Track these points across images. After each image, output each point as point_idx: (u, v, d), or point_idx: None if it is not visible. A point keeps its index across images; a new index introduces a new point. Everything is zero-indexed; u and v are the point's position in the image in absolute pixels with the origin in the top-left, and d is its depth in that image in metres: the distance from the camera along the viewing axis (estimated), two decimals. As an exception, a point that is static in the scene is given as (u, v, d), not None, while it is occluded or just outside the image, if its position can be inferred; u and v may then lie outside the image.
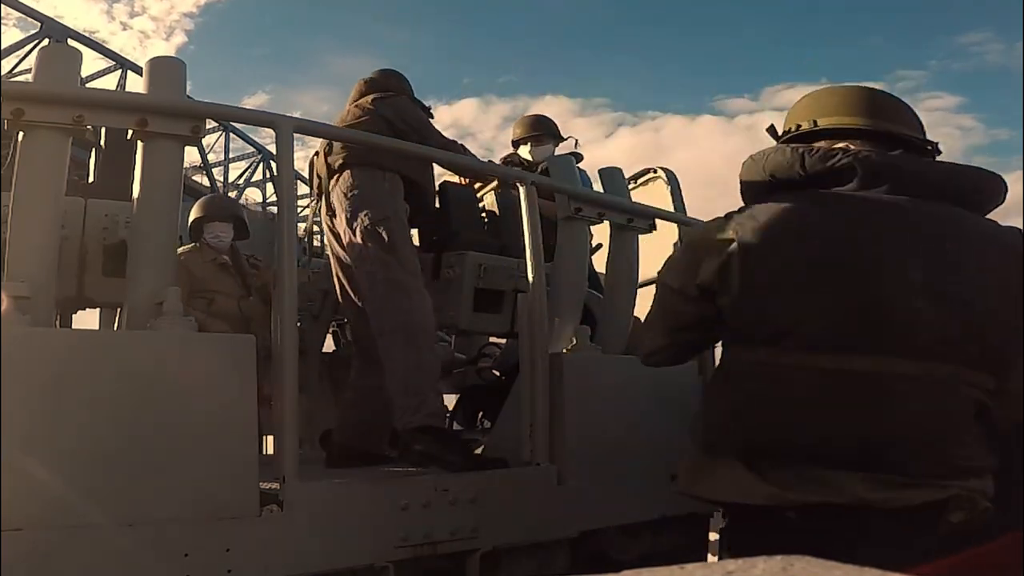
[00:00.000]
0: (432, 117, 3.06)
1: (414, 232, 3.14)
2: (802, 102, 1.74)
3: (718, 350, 1.85)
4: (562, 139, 3.99)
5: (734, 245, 1.55)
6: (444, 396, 4.18)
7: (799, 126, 1.68)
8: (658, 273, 1.81)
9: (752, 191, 1.68)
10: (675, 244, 3.18)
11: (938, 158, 1.65)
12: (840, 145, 1.60)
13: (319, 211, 2.99)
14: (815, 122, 1.65)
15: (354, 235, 2.68)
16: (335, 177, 2.79)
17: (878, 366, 1.43)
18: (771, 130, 1.78)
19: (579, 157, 3.88)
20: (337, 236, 2.79)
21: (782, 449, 1.48)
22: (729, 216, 1.62)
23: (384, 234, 2.63)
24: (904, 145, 1.59)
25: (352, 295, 2.82)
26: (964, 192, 1.56)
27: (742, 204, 1.70)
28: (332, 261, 2.89)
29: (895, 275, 1.46)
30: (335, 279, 2.90)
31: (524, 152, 3.93)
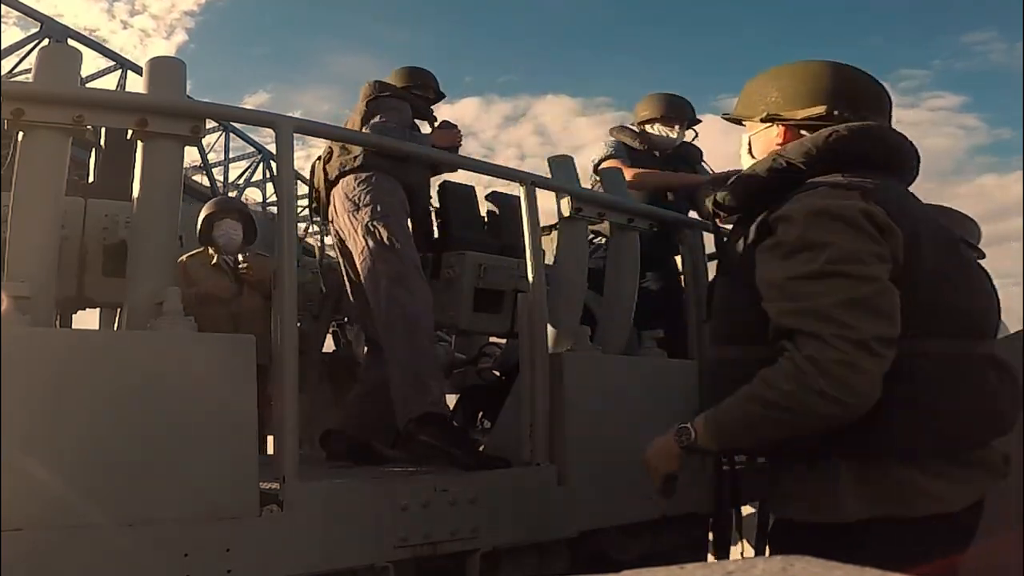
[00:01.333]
0: (433, 119, 3.16)
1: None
2: (766, 89, 1.65)
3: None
4: (698, 121, 3.79)
5: (895, 227, 1.37)
6: (445, 395, 4.21)
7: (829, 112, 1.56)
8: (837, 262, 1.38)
9: (761, 185, 1.54)
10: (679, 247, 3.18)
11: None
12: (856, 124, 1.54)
13: (321, 215, 3.07)
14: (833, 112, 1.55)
15: (355, 233, 2.76)
16: (335, 184, 2.87)
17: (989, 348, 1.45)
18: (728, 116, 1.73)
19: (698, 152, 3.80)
20: (341, 237, 2.88)
21: (975, 442, 1.42)
22: (858, 196, 1.39)
23: (383, 230, 2.71)
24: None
25: (359, 294, 2.86)
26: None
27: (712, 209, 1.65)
28: (340, 260, 2.97)
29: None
30: (345, 278, 2.96)
31: (658, 129, 3.71)
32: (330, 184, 2.91)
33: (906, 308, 1.35)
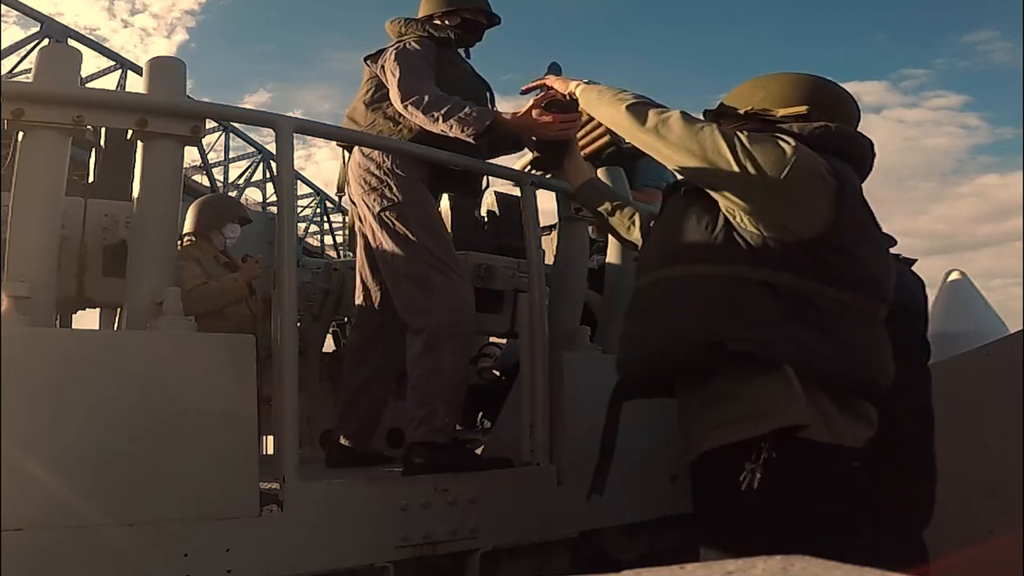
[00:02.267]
0: (491, 22, 2.76)
1: None
2: (758, 89, 1.80)
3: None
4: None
5: (833, 180, 1.54)
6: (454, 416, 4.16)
7: (767, 111, 1.73)
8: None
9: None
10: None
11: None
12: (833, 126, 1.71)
13: (338, 183, 2.77)
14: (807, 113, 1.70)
15: (368, 221, 2.50)
16: (350, 152, 2.61)
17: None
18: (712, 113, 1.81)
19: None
20: (360, 217, 2.60)
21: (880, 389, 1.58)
22: (792, 137, 1.59)
23: (397, 224, 2.42)
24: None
25: (363, 281, 2.70)
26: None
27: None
28: (358, 238, 2.71)
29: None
30: (357, 259, 2.76)
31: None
32: (347, 152, 2.62)
33: (832, 258, 1.55)
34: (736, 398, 1.53)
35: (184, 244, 3.49)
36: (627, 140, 1.77)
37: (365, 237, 2.60)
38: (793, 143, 1.56)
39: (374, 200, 2.47)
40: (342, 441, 2.76)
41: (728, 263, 1.57)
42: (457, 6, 2.73)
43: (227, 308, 3.40)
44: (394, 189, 2.45)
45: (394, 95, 2.47)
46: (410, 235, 2.41)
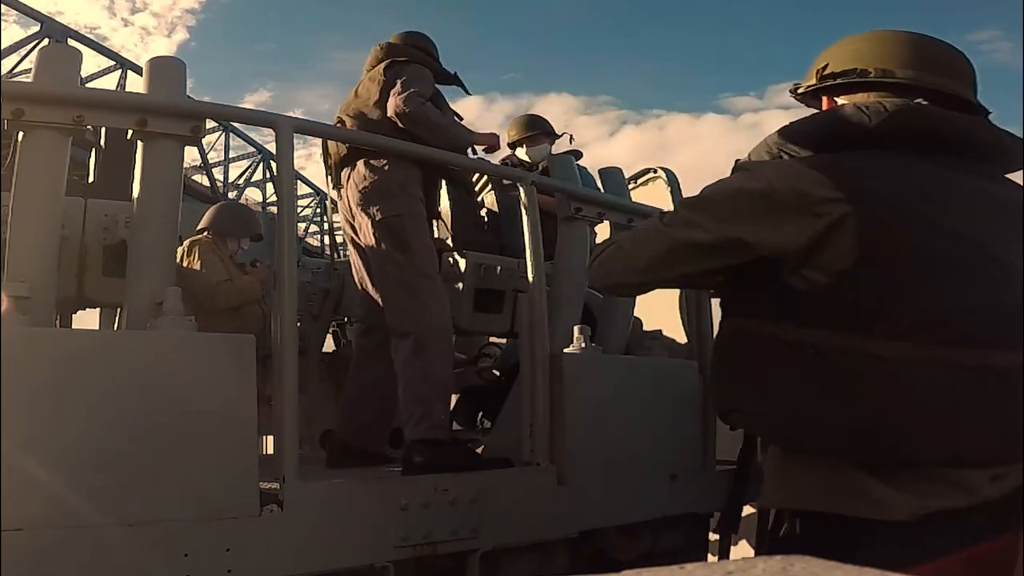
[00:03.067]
0: (459, 84, 2.96)
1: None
2: (842, 48, 1.49)
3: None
4: (557, 136, 3.97)
5: (842, 208, 1.24)
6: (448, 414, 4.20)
7: (866, 71, 1.42)
8: (664, 213, 1.52)
9: (777, 146, 1.42)
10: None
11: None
12: (916, 102, 1.40)
13: (335, 199, 2.87)
14: (890, 71, 1.40)
15: (367, 230, 2.60)
16: (347, 166, 2.69)
17: (1011, 360, 1.25)
18: (822, 73, 1.51)
19: (578, 154, 3.88)
20: (353, 226, 2.72)
21: (941, 458, 1.28)
22: (808, 165, 1.32)
23: (397, 231, 2.55)
24: (960, 106, 1.41)
25: (363, 287, 2.79)
26: (1010, 158, 1.44)
27: (751, 159, 1.45)
28: (351, 250, 2.84)
29: (1013, 261, 1.29)
30: (352, 269, 2.86)
31: (521, 154, 3.91)
32: (344, 160, 2.68)
33: (849, 300, 1.26)
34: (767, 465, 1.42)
35: (204, 239, 3.51)
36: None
37: (360, 248, 2.73)
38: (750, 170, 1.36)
39: (376, 210, 2.58)
40: (345, 439, 2.77)
41: (750, 316, 1.37)
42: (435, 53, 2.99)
43: (243, 307, 3.44)
44: (399, 201, 2.59)
45: (400, 94, 2.60)
46: (407, 243, 2.55)
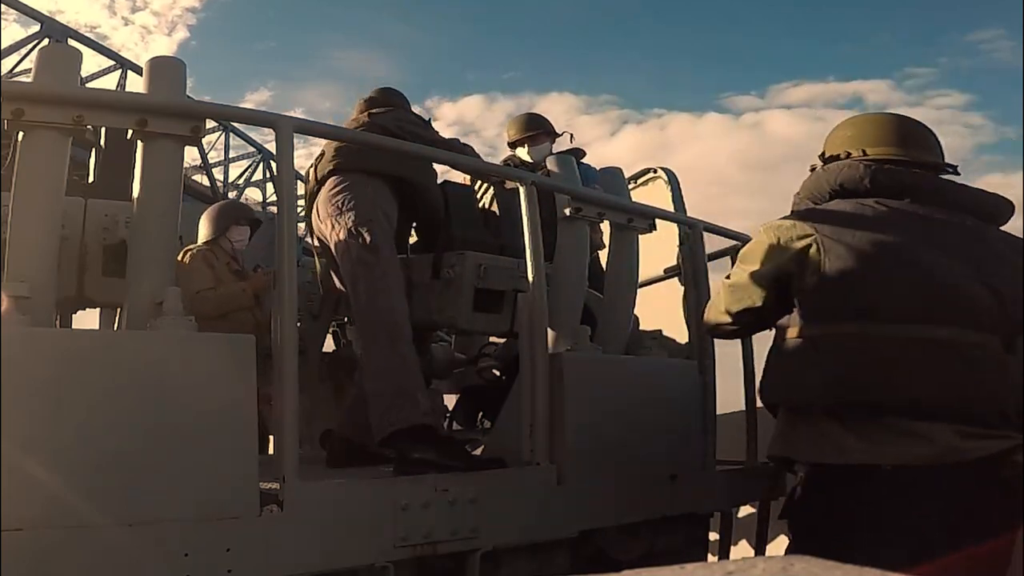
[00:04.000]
0: (430, 123, 3.09)
1: (413, 233, 3.16)
2: (846, 131, 2.13)
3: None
4: (558, 135, 3.97)
5: (815, 237, 1.90)
6: (444, 396, 4.20)
7: (849, 153, 2.07)
8: (731, 274, 2.17)
9: (812, 197, 2.09)
10: (680, 248, 3.19)
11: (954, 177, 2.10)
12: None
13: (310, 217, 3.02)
14: (864, 151, 2.05)
15: (338, 237, 2.71)
16: (322, 184, 2.83)
17: (952, 334, 1.78)
18: (821, 156, 2.18)
19: (580, 153, 3.87)
20: (323, 241, 2.83)
21: (877, 408, 1.79)
22: (799, 216, 2.01)
23: (366, 235, 2.66)
24: (932, 170, 2.04)
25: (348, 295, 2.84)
26: (985, 209, 2.01)
27: (794, 209, 2.12)
28: (328, 265, 2.93)
29: (956, 266, 1.84)
30: (334, 280, 2.93)
31: (522, 153, 3.91)
32: (320, 181, 2.86)
33: (816, 298, 1.91)
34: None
35: (196, 248, 3.52)
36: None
37: (331, 255, 2.82)
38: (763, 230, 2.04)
39: (349, 216, 2.71)
40: (346, 437, 2.77)
41: (779, 323, 2.07)
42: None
43: (231, 315, 3.42)
44: (369, 211, 2.72)
45: None
46: (375, 247, 2.66)
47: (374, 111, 2.96)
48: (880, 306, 1.82)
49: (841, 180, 2.01)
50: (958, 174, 2.08)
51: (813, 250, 1.89)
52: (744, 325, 2.20)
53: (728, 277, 2.16)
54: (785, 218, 2.02)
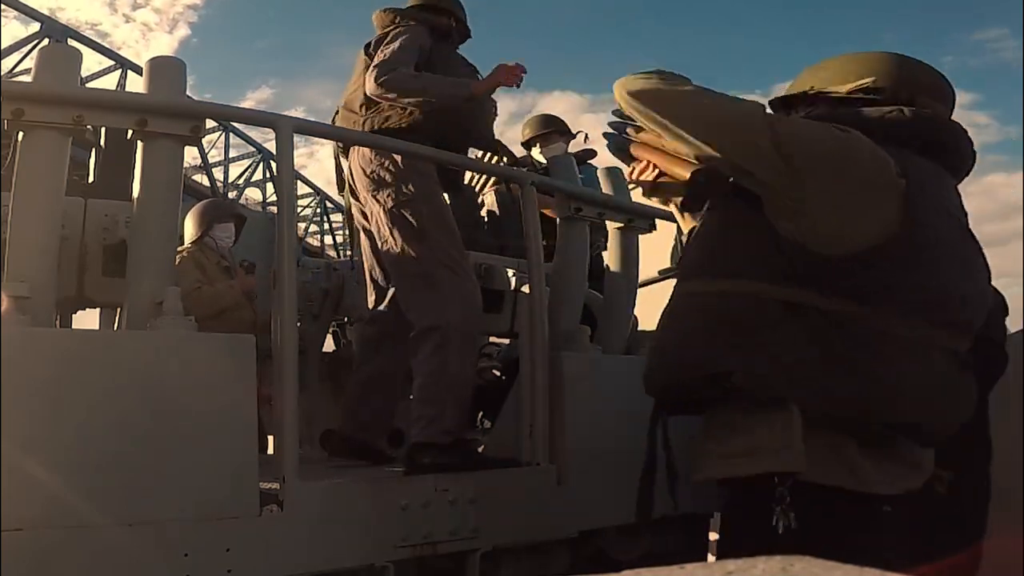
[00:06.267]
0: (466, 36, 2.75)
1: None
2: (842, 66, 1.57)
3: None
4: (572, 135, 3.94)
5: (902, 183, 1.33)
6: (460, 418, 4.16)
7: (817, 92, 1.53)
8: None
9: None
10: (675, 246, 3.18)
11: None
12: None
13: (336, 182, 2.78)
14: (910, 99, 1.48)
15: (379, 218, 2.45)
16: (350, 149, 2.58)
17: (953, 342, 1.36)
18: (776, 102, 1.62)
19: (591, 153, 3.84)
20: (364, 213, 2.57)
21: (893, 430, 1.37)
22: (852, 125, 1.38)
23: (410, 218, 2.38)
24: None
25: (375, 279, 2.69)
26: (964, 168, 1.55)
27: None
28: (361, 237, 2.70)
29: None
30: (363, 257, 2.75)
31: (535, 153, 3.88)
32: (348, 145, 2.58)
33: (879, 274, 1.32)
34: (735, 430, 1.40)
35: (188, 249, 3.51)
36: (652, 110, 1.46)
37: (371, 235, 2.58)
38: (849, 131, 1.35)
39: (387, 196, 2.43)
40: (346, 433, 2.76)
41: (752, 279, 1.38)
42: (450, 7, 2.74)
43: (227, 314, 3.42)
44: (409, 184, 2.43)
45: (369, 73, 2.43)
46: (423, 231, 2.39)
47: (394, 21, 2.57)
48: (944, 303, 1.35)
49: (886, 126, 1.41)
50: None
51: (888, 202, 1.32)
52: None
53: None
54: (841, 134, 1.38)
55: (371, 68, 2.45)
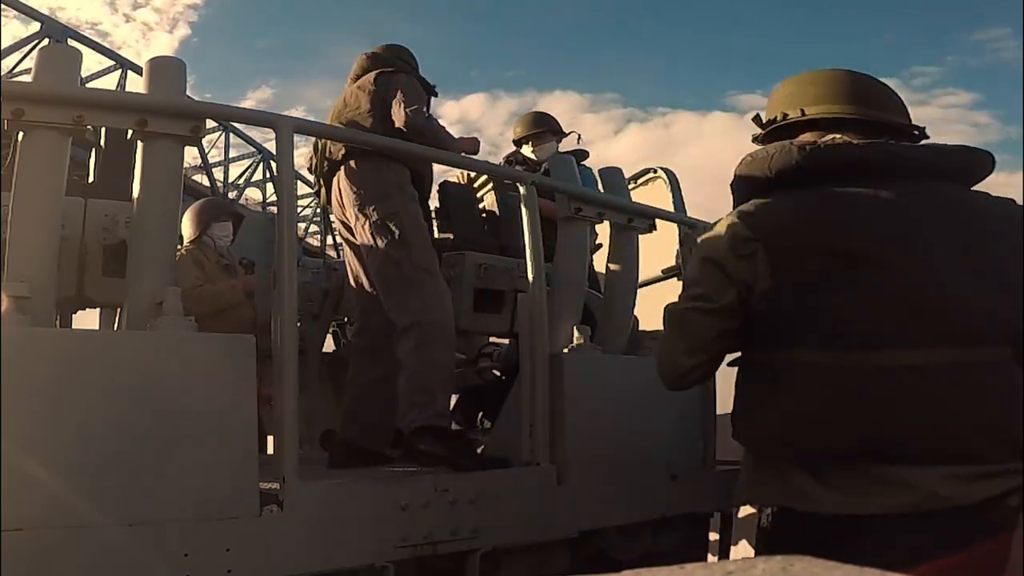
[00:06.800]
0: (436, 95, 2.99)
1: None
2: (786, 89, 1.71)
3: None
4: (564, 135, 3.96)
5: (757, 245, 1.50)
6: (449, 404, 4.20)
7: (786, 115, 1.66)
8: (669, 306, 1.73)
9: (749, 188, 1.63)
10: (680, 248, 3.18)
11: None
12: (829, 137, 1.60)
13: (324, 204, 2.95)
14: (803, 111, 1.63)
15: (364, 230, 2.66)
16: (339, 168, 2.75)
17: (938, 357, 1.41)
18: (756, 119, 1.75)
19: (584, 154, 3.87)
20: (348, 227, 2.77)
21: (850, 452, 1.44)
22: (736, 216, 1.56)
23: (394, 229, 2.60)
24: (891, 131, 1.59)
25: (361, 287, 2.82)
26: (967, 172, 1.58)
27: (733, 193, 1.69)
28: (346, 250, 2.89)
29: (937, 263, 1.44)
30: (348, 268, 2.89)
31: (527, 151, 3.90)
32: (334, 165, 2.76)
33: (770, 318, 1.52)
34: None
35: (187, 248, 3.51)
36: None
37: (355, 246, 2.77)
38: (700, 241, 1.70)
39: (373, 209, 2.63)
40: (348, 440, 2.78)
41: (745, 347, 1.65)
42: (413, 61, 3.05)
43: (227, 313, 3.41)
44: (393, 199, 2.65)
45: (400, 111, 2.68)
46: (405, 240, 2.59)
47: (378, 72, 2.83)
48: (842, 329, 1.44)
49: (777, 167, 1.56)
50: (926, 136, 1.64)
51: (759, 260, 1.49)
52: (710, 358, 1.68)
53: (670, 312, 1.72)
54: (716, 223, 1.64)
55: (402, 105, 2.70)
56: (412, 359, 2.51)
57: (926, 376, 1.40)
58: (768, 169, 1.58)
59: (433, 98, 3.01)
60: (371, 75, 2.82)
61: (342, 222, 2.81)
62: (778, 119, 1.67)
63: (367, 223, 2.63)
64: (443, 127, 2.84)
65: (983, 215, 1.51)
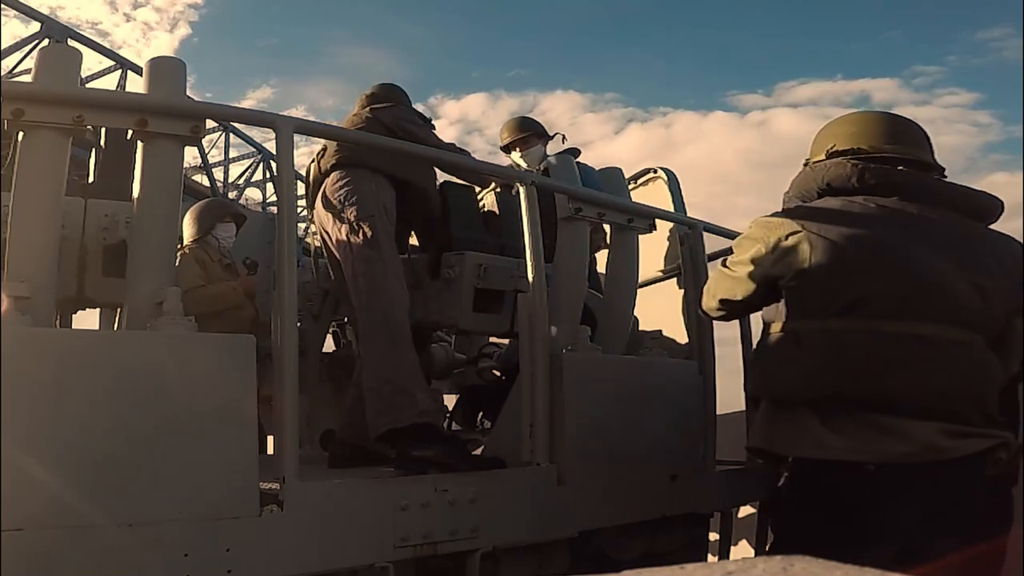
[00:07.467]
0: (433, 127, 3.09)
1: (412, 234, 3.16)
2: (834, 129, 2.15)
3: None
4: (550, 137, 3.98)
5: (803, 233, 1.93)
6: (444, 396, 4.20)
7: (837, 151, 2.09)
8: (719, 264, 2.24)
9: (801, 195, 2.12)
10: (680, 248, 3.18)
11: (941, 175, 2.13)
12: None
13: (312, 214, 3.02)
14: (855, 149, 2.07)
15: (340, 232, 2.73)
16: (326, 179, 2.84)
17: (936, 331, 1.81)
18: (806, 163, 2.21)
19: (576, 152, 3.88)
20: (326, 235, 2.85)
21: (856, 403, 1.81)
22: (787, 214, 2.05)
23: (368, 230, 2.68)
24: (922, 167, 2.06)
25: (330, 288, 2.91)
26: (974, 208, 2.03)
27: (784, 207, 2.14)
28: (328, 261, 2.95)
29: (941, 263, 1.86)
30: (334, 278, 2.94)
31: (515, 157, 3.92)
32: (323, 175, 2.86)
33: (802, 291, 1.95)
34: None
35: (190, 247, 3.52)
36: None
37: (332, 253, 2.86)
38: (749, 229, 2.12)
39: (351, 212, 2.72)
40: (348, 440, 2.77)
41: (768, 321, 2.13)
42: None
43: (228, 313, 3.42)
44: (369, 205, 2.74)
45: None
46: (377, 243, 2.67)
47: (375, 107, 2.97)
48: (863, 302, 1.84)
49: (829, 178, 2.03)
50: (945, 176, 2.11)
51: (801, 246, 1.92)
52: (732, 311, 2.28)
53: (724, 263, 2.20)
54: (774, 215, 2.07)
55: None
56: (385, 359, 2.53)
57: (921, 344, 1.80)
58: (821, 180, 2.05)
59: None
60: (367, 108, 2.95)
61: (321, 234, 2.89)
62: (833, 149, 2.11)
63: (344, 225, 2.72)
64: (427, 127, 2.98)
65: (981, 239, 1.97)
